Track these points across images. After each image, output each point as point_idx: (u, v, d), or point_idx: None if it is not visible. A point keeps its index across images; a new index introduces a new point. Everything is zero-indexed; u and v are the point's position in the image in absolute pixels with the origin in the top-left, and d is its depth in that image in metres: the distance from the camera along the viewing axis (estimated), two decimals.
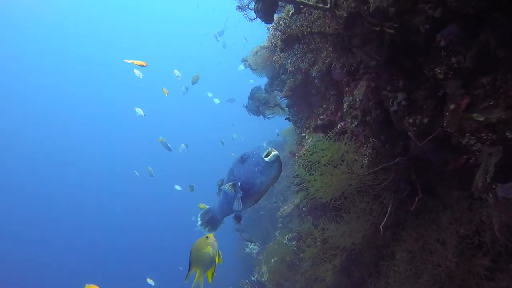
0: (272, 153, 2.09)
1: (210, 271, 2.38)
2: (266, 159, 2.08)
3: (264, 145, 2.30)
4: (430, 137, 1.94)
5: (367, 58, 2.23)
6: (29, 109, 30.02)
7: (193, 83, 7.48)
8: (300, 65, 2.24)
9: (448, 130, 1.96)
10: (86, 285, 3.62)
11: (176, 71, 7.84)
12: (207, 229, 2.78)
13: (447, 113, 1.92)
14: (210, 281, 2.38)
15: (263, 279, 5.70)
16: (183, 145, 9.67)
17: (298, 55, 2.02)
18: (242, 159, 2.27)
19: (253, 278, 6.16)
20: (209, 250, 2.33)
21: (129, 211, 26.89)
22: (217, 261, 2.37)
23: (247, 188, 2.26)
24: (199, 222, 2.79)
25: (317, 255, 3.25)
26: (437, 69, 1.91)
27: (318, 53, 2.05)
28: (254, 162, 2.18)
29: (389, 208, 2.41)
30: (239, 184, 2.31)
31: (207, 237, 2.39)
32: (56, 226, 25.07)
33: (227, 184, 2.34)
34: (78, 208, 26.57)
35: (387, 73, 2.28)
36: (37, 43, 30.41)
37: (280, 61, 2.08)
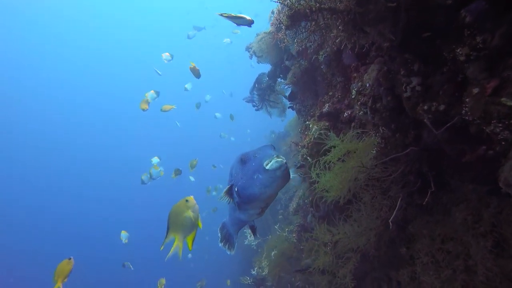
0: (275, 159, 1.76)
1: (191, 237, 2.17)
2: (267, 166, 1.75)
3: (271, 146, 1.93)
4: (448, 124, 1.77)
5: (380, 39, 2.05)
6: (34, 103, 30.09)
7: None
8: (307, 45, 2.06)
9: (467, 118, 1.79)
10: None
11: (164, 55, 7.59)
12: (226, 246, 2.60)
13: (467, 99, 1.75)
14: (190, 247, 2.18)
15: (264, 273, 5.59)
16: (177, 123, 9.56)
17: (305, 33, 1.84)
18: (242, 160, 1.96)
19: (253, 272, 6.05)
20: (190, 214, 2.12)
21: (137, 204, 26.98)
22: (199, 225, 2.19)
23: (244, 196, 1.97)
24: (219, 238, 2.62)
25: (331, 262, 3.09)
26: (458, 50, 1.73)
27: (327, 32, 1.87)
28: (254, 168, 1.84)
29: (398, 202, 2.25)
30: (236, 189, 2.01)
31: (187, 200, 2.15)
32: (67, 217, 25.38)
33: (224, 190, 2.06)
34: (82, 202, 26.75)
35: (401, 55, 2.10)
36: (43, 36, 30.29)
37: (285, 40, 1.91)
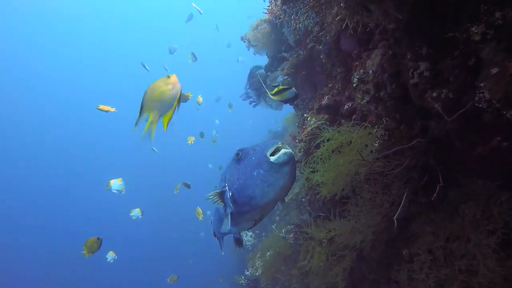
0: (283, 151, 1.44)
1: (167, 116, 1.91)
2: (272, 158, 1.44)
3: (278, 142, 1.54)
4: (462, 110, 1.60)
5: (385, 19, 1.88)
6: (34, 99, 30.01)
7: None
8: (306, 23, 1.88)
9: (481, 105, 1.63)
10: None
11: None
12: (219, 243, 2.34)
13: (482, 83, 1.59)
14: (165, 127, 1.93)
15: (257, 273, 5.40)
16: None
17: (304, 9, 1.66)
18: (238, 157, 1.63)
19: (247, 273, 5.86)
20: (168, 90, 1.83)
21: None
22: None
23: (241, 201, 1.60)
24: (212, 231, 2.37)
25: (326, 260, 2.90)
26: (473, 29, 1.56)
27: (328, 8, 1.69)
28: (255, 163, 1.51)
29: (404, 197, 2.08)
30: (230, 194, 1.64)
31: (168, 76, 1.83)
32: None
33: (211, 194, 1.70)
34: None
35: (408, 38, 1.93)
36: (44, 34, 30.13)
37: (281, 16, 1.73)
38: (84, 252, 3.98)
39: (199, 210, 6.04)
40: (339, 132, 2.35)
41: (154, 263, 21.60)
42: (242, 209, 1.65)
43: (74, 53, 31.87)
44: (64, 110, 31.29)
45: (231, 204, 1.65)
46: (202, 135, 8.60)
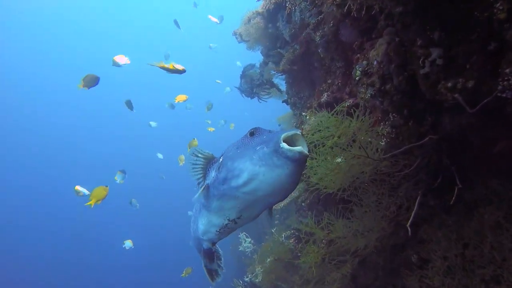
0: (300, 148, 1.25)
1: (171, 65, 3.15)
2: (285, 146, 1.26)
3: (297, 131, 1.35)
4: (485, 101, 1.39)
5: (391, 1, 1.67)
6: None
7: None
8: (302, 6, 1.66)
9: (505, 95, 1.42)
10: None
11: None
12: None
13: (507, 70, 1.39)
14: (171, 67, 3.19)
15: (257, 280, 5.17)
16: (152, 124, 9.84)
17: None
18: (252, 133, 1.46)
19: (246, 279, 5.63)
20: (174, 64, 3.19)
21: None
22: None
23: (225, 172, 1.43)
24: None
25: (322, 262, 2.66)
26: (497, 5, 1.35)
27: None
28: (263, 140, 1.36)
29: (417, 201, 1.86)
30: (220, 160, 1.50)
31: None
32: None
33: (202, 153, 1.55)
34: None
35: (417, 22, 1.72)
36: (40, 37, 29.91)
37: None
38: (90, 202, 4.06)
39: (182, 157, 6.06)
40: (333, 114, 2.13)
41: (153, 266, 21.47)
42: (221, 185, 1.46)
43: (71, 52, 31.67)
44: (66, 113, 31.08)
45: (213, 173, 1.51)
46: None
